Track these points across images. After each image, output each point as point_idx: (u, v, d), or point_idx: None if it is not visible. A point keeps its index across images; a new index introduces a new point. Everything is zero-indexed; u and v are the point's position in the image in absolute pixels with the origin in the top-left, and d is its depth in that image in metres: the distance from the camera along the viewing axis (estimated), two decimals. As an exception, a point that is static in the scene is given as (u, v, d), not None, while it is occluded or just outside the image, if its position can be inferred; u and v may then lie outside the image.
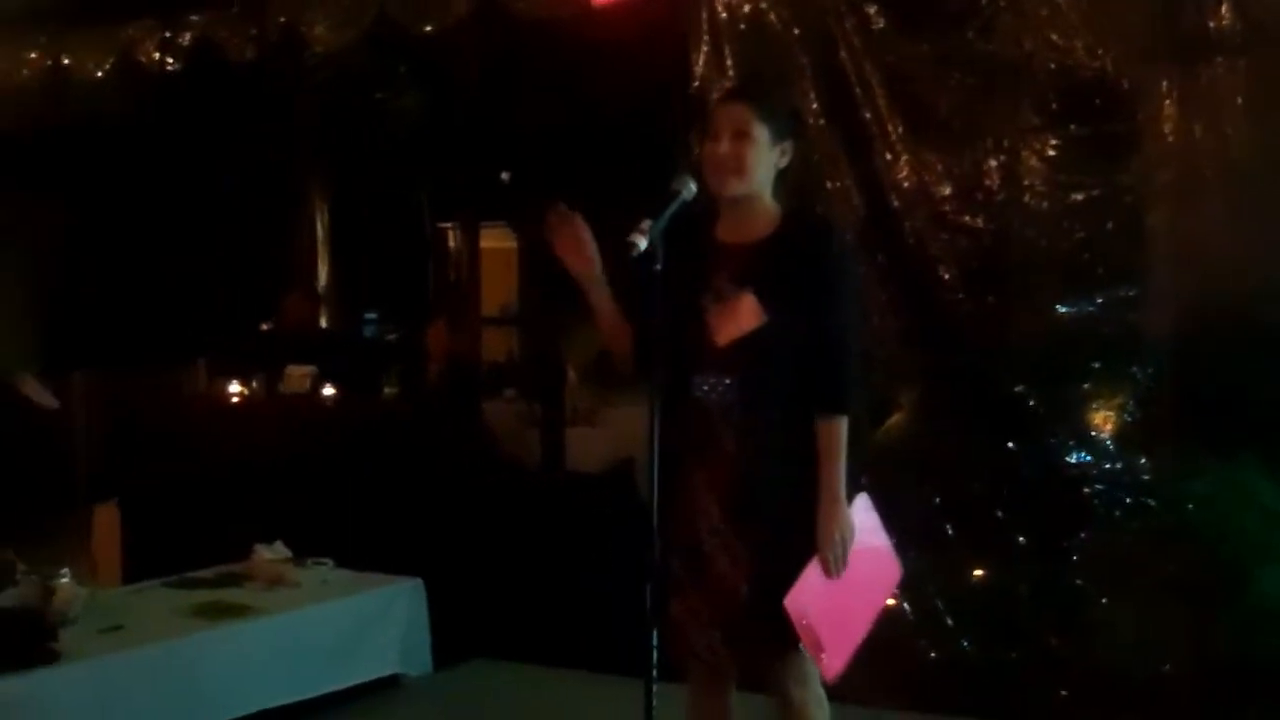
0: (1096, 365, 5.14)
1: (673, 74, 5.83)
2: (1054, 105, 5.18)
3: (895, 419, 5.48)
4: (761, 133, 3.39)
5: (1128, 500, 5.03)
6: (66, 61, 7.68)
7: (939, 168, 5.35)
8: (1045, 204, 5.18)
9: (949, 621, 5.25)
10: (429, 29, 6.66)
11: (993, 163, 5.29)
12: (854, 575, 3.32)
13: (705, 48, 5.73)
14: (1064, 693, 5.05)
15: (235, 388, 7.67)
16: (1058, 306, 5.19)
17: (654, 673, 3.11)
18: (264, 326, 8.77)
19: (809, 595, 3.27)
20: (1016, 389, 5.23)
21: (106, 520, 7.42)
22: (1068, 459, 5.15)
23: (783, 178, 3.48)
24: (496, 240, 9.84)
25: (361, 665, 5.56)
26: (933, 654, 5.26)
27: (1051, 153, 5.19)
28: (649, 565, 3.13)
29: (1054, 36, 5.13)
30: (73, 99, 7.78)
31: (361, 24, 6.81)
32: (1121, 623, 5.00)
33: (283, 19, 7.02)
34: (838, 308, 3.37)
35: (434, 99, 8.61)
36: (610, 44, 6.17)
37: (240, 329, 8.63)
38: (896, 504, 4.92)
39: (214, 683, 4.94)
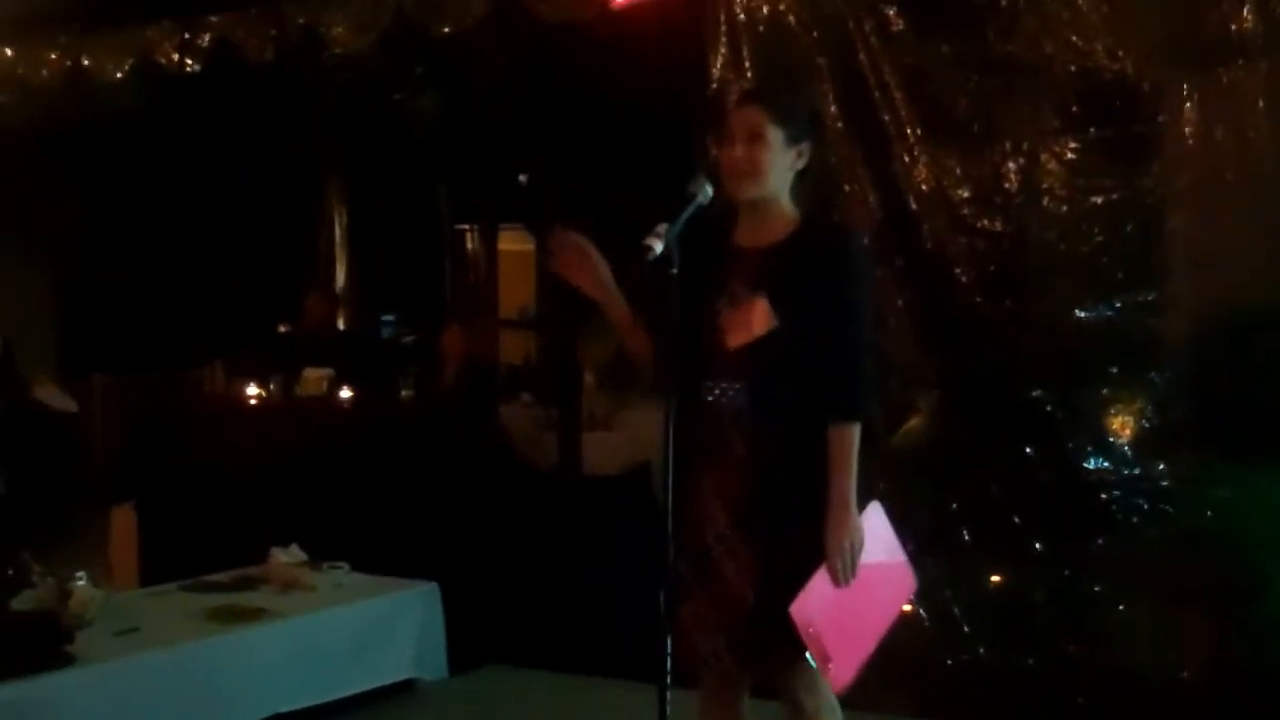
0: (1115, 370, 5.11)
1: (690, 76, 5.81)
2: (1074, 108, 5.15)
3: (912, 423, 5.45)
4: (776, 135, 3.38)
5: (1145, 506, 5.00)
6: (86, 63, 7.68)
7: (958, 170, 5.33)
8: (1064, 207, 5.15)
9: (965, 628, 5.23)
10: (447, 30, 6.65)
11: (1012, 165, 5.26)
12: (865, 584, 3.29)
13: (723, 49, 5.71)
14: (1081, 700, 5.03)
15: (252, 390, 7.68)
16: (1076, 310, 5.16)
17: (668, 679, 3.09)
18: (282, 328, 8.79)
19: (816, 603, 3.24)
20: (1034, 393, 5.20)
21: (123, 523, 7.44)
22: (1085, 464, 5.12)
23: (801, 179, 3.46)
24: (515, 243, 9.85)
25: (376, 669, 5.56)
26: (949, 660, 5.24)
27: (1071, 155, 5.16)
28: (664, 570, 3.12)
29: (1074, 38, 5.10)
30: (92, 100, 7.79)
31: (380, 25, 6.81)
32: (1139, 629, 4.98)
33: (301, 20, 7.02)
34: (851, 314, 3.34)
35: (452, 100, 8.61)
36: (628, 45, 6.15)
37: (258, 331, 8.64)
38: (913, 509, 4.96)
39: (229, 686, 4.95)
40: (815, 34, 5.54)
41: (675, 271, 3.14)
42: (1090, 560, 5.09)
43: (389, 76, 8.40)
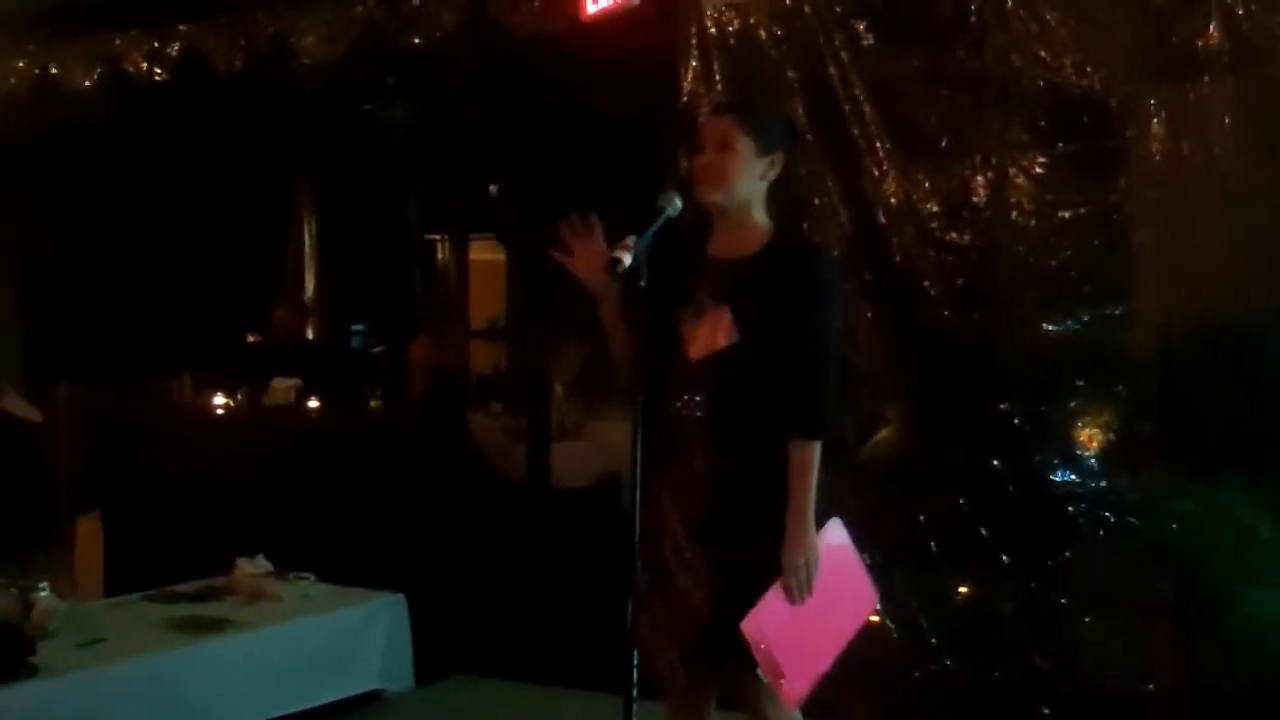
0: (1082, 383, 5.13)
1: (661, 88, 5.82)
2: (1042, 123, 5.17)
3: (881, 435, 5.47)
4: (746, 145, 3.39)
5: (1112, 519, 5.01)
6: (54, 71, 7.65)
7: (927, 184, 5.35)
8: (1032, 221, 5.17)
9: (932, 639, 5.23)
10: (418, 41, 6.65)
11: (980, 180, 5.28)
12: (822, 601, 3.28)
13: (694, 62, 5.72)
14: (1046, 711, 5.04)
15: (220, 400, 7.64)
16: (1044, 324, 5.18)
17: (634, 690, 3.09)
18: (251, 338, 8.75)
19: (769, 620, 3.23)
20: (1002, 406, 5.21)
21: (88, 533, 7.40)
22: (1052, 477, 5.14)
23: (775, 191, 3.47)
24: (485, 253, 9.83)
25: (343, 680, 5.54)
26: (915, 671, 5.24)
27: (1039, 170, 5.18)
28: (630, 582, 3.11)
29: (1043, 54, 5.12)
30: (60, 109, 7.76)
31: (350, 35, 6.80)
32: (1105, 641, 4.99)
33: (271, 30, 7.00)
34: (819, 332, 3.34)
35: (423, 111, 8.60)
36: (599, 58, 6.16)
37: (226, 340, 8.60)
38: (881, 520, 4.98)
39: (194, 697, 4.92)
40: (785, 47, 5.55)
41: (643, 284, 3.14)
42: (1057, 572, 5.11)
43: (359, 87, 8.39)
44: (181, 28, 7.27)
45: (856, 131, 5.42)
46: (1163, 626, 4.93)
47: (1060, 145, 5.16)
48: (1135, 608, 4.95)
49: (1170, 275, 5.00)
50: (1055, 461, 5.14)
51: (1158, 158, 4.99)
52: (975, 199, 5.28)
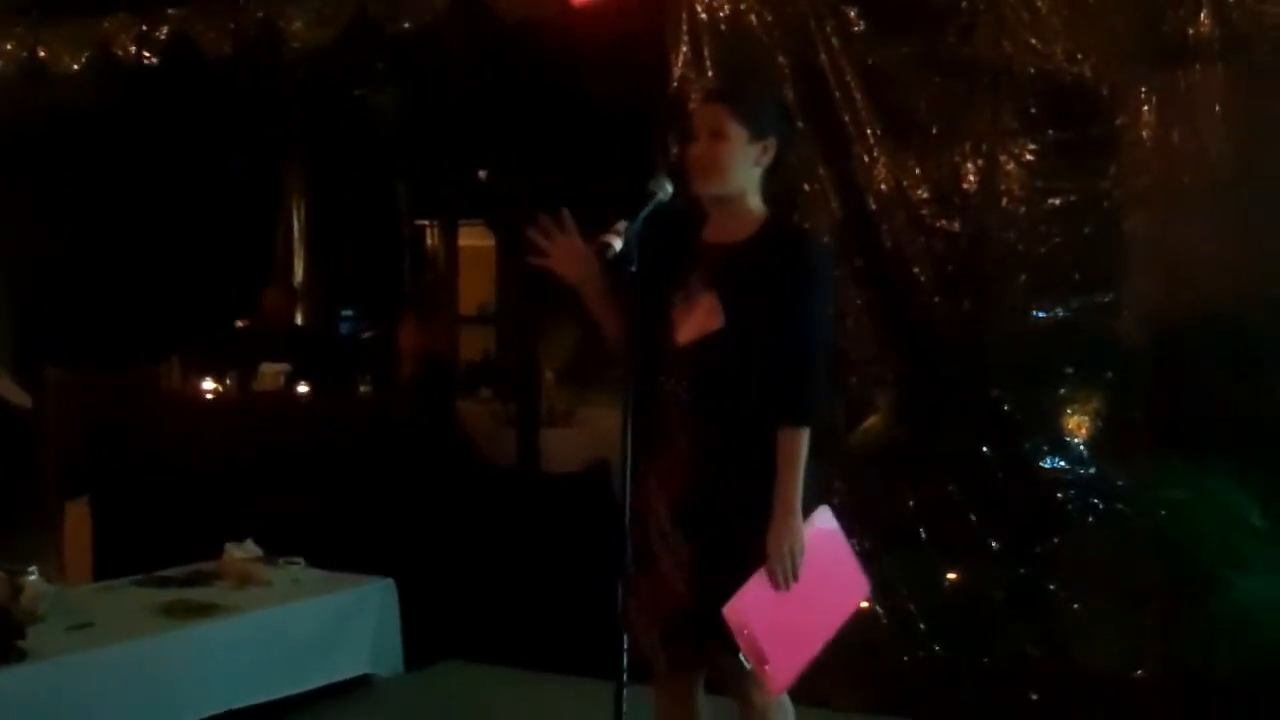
0: (1071, 370, 5.15)
1: (651, 74, 5.81)
2: (1033, 109, 5.18)
3: (870, 421, 5.48)
4: (738, 132, 3.38)
5: (1101, 506, 5.04)
6: (42, 54, 7.62)
7: (917, 171, 5.35)
8: (1023, 208, 5.17)
9: (921, 625, 5.25)
10: (407, 26, 6.63)
11: (971, 166, 5.29)
12: (809, 588, 3.27)
13: (684, 48, 5.71)
14: (1035, 696, 5.06)
15: (208, 385, 7.63)
16: (1034, 311, 5.19)
17: (624, 675, 3.09)
18: (239, 323, 8.74)
19: (753, 606, 3.22)
20: (992, 393, 5.23)
21: (77, 517, 7.39)
22: (1041, 464, 5.15)
23: (771, 176, 3.47)
24: (475, 238, 9.82)
25: (332, 665, 5.53)
26: (905, 657, 5.26)
27: (1030, 157, 5.19)
28: (620, 567, 3.12)
29: (1034, 41, 5.13)
30: (48, 92, 7.73)
31: (340, 20, 6.79)
32: (1093, 628, 5.01)
33: (260, 14, 6.99)
34: (807, 319, 3.33)
35: (412, 96, 8.58)
36: (589, 43, 6.15)
37: (215, 325, 8.58)
38: (870, 506, 4.99)
39: (183, 682, 4.91)
40: (776, 33, 5.55)
41: (634, 269, 3.14)
42: (1046, 559, 5.12)
43: (349, 71, 8.37)
44: (170, 11, 7.25)
45: (847, 118, 5.43)
46: (1151, 613, 4.95)
47: (1051, 132, 5.17)
48: (1124, 594, 4.97)
49: (1160, 262, 5.01)
50: (1044, 448, 5.15)
51: (1148, 145, 5.01)
52: (966, 185, 5.29)
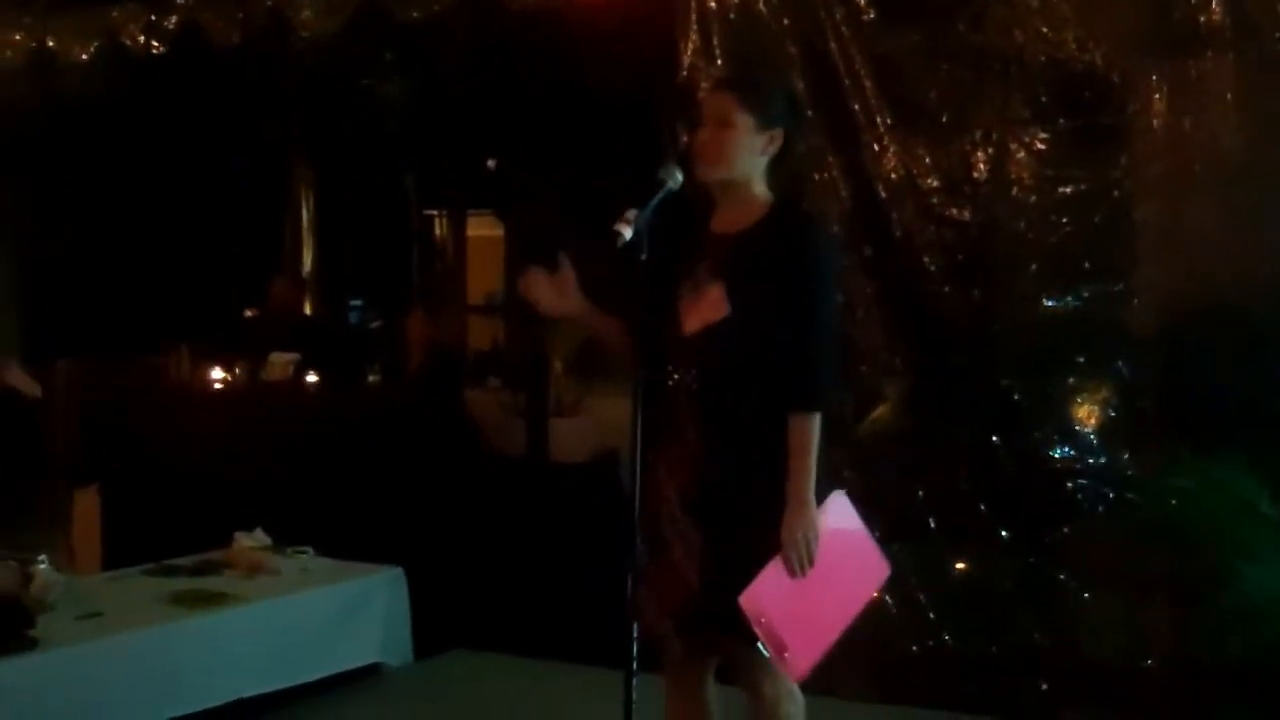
0: (1081, 360, 5.14)
1: (661, 63, 5.80)
2: (1043, 98, 5.17)
3: (879, 411, 5.47)
4: (745, 120, 3.38)
5: (1111, 495, 5.03)
6: (51, 43, 7.63)
7: (927, 159, 5.34)
8: (1033, 197, 5.17)
9: (931, 614, 5.25)
10: (415, 15, 6.63)
11: (981, 155, 5.28)
12: (827, 574, 3.26)
13: (694, 37, 5.70)
14: (1045, 686, 5.05)
15: (217, 374, 7.64)
16: (1044, 300, 5.18)
17: (634, 664, 3.09)
18: (248, 312, 8.74)
19: (769, 594, 3.21)
20: (1001, 382, 5.23)
21: (87, 506, 7.40)
22: (1051, 453, 5.14)
23: (777, 165, 3.46)
24: (483, 228, 9.81)
25: (341, 654, 5.54)
26: (914, 646, 5.26)
27: (1040, 146, 5.18)
28: (630, 557, 3.11)
29: (1044, 29, 5.12)
30: (57, 82, 7.73)
31: (347, 9, 6.79)
32: (1103, 618, 5.01)
33: (269, 3, 6.99)
34: (813, 304, 3.32)
35: (421, 86, 8.57)
36: (598, 32, 6.14)
37: (224, 315, 8.59)
38: (879, 496, 4.98)
39: (193, 671, 4.92)
40: (786, 22, 5.54)
41: (644, 257, 3.14)
42: (1055, 549, 5.12)
43: (357, 61, 8.36)
44: (179, 1, 7.24)
45: (857, 106, 5.41)
46: (1161, 603, 4.94)
47: (1061, 121, 5.16)
48: (1133, 584, 4.97)
49: (1171, 252, 5.00)
50: (1054, 438, 5.15)
51: (1159, 134, 5.00)
52: (976, 174, 5.28)
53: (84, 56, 7.56)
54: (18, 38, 7.72)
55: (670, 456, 3.38)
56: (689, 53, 5.71)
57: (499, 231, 9.30)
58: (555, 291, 3.49)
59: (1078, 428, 5.12)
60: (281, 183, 9.46)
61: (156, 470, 7.16)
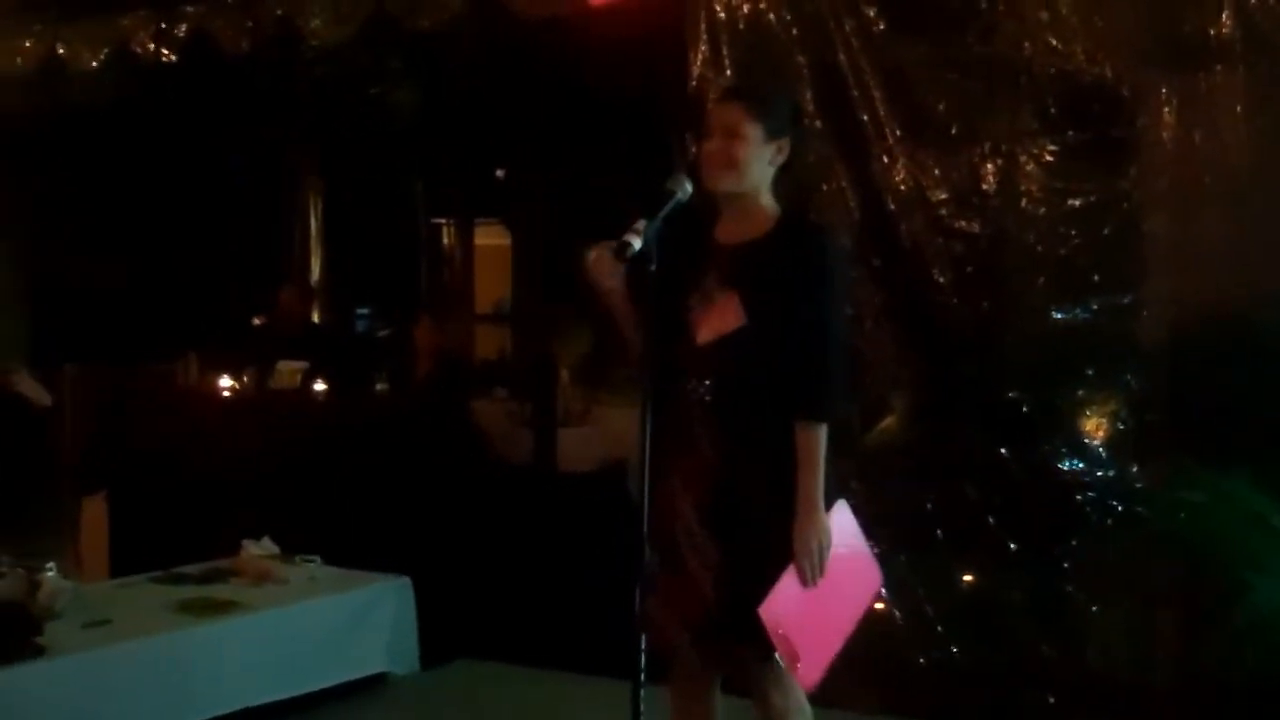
0: (1090, 372, 5.12)
1: (670, 73, 5.80)
2: (1052, 110, 5.15)
3: (888, 422, 5.46)
4: (754, 131, 3.38)
5: (1119, 508, 5.01)
6: (61, 51, 7.65)
7: (936, 171, 5.33)
8: (1042, 209, 5.15)
9: (938, 626, 5.23)
10: (425, 24, 6.64)
11: (990, 167, 5.27)
12: (832, 583, 3.28)
13: (703, 47, 5.70)
14: (1052, 700, 5.03)
15: (226, 382, 7.65)
16: (1053, 312, 5.16)
17: (641, 675, 3.09)
18: (256, 321, 8.76)
19: (785, 604, 3.23)
20: (1010, 394, 5.21)
21: (94, 514, 7.40)
22: (1060, 465, 5.12)
23: (784, 175, 3.47)
24: (491, 237, 9.83)
25: (348, 663, 5.54)
26: (921, 659, 5.24)
27: (1049, 158, 5.16)
28: (638, 567, 3.11)
29: (1054, 41, 5.11)
30: (67, 90, 7.75)
31: (358, 18, 6.80)
32: (1111, 631, 4.99)
33: (279, 12, 7.00)
34: (824, 315, 3.33)
35: (429, 95, 8.59)
36: (608, 42, 6.15)
37: (232, 323, 8.60)
38: (887, 507, 4.97)
39: (200, 679, 4.93)
40: (795, 33, 5.53)
41: (653, 268, 3.14)
42: (1064, 561, 5.09)
43: (366, 70, 8.39)
44: (189, 9, 7.27)
45: (866, 118, 5.41)
46: (1170, 616, 4.93)
47: (1071, 133, 5.14)
48: (1142, 597, 4.96)
49: (1180, 264, 4.99)
50: (1063, 450, 5.12)
51: (1168, 146, 4.98)
52: (985, 186, 5.27)
53: (94, 64, 7.58)
54: (29, 45, 7.74)
55: (683, 467, 3.37)
56: (698, 63, 5.70)
57: (507, 240, 9.32)
58: (613, 270, 3.41)
59: (1086, 440, 5.10)
60: (290, 190, 9.49)
61: (164, 478, 7.17)
